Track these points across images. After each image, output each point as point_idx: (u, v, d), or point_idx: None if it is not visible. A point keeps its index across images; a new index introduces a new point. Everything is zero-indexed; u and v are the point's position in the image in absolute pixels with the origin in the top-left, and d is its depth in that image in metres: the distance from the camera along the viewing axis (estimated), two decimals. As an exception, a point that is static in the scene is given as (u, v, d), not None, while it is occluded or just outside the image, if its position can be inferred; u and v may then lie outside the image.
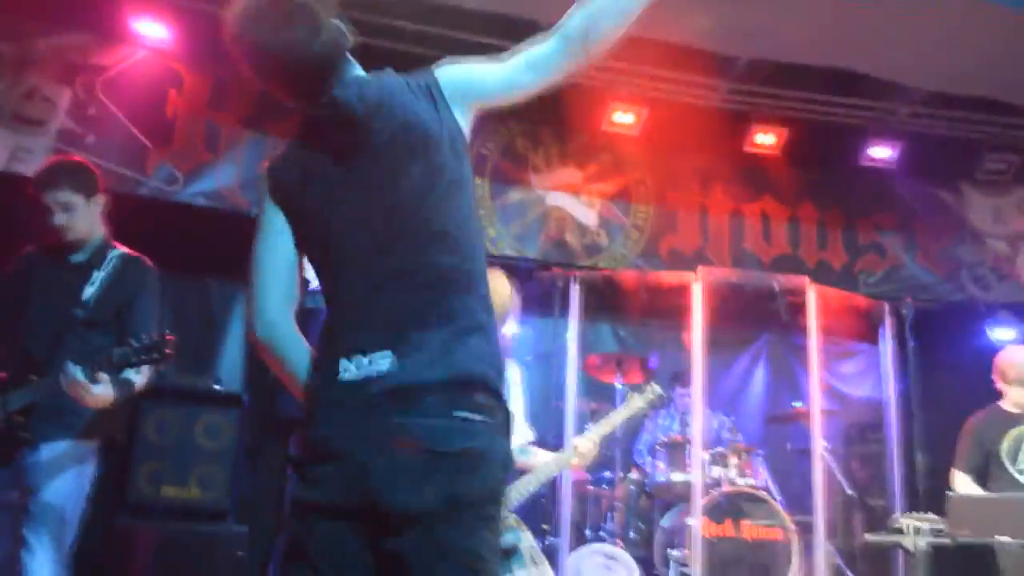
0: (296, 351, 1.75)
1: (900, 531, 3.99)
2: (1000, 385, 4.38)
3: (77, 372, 2.62)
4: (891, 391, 5.43)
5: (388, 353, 1.60)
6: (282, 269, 1.77)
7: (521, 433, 3.28)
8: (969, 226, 6.39)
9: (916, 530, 3.92)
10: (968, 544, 3.72)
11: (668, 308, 5.51)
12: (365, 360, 1.61)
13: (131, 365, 2.69)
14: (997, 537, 3.61)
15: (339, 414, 1.61)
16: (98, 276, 2.98)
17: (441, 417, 1.56)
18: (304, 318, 1.82)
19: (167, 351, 2.65)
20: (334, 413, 1.62)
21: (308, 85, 1.72)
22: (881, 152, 6.09)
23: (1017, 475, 4.15)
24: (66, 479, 2.82)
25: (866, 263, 6.19)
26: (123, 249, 3.11)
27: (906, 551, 3.96)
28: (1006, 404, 4.36)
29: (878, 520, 4.73)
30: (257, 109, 5.34)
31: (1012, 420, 4.26)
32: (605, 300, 5.92)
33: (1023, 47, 5.06)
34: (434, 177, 1.68)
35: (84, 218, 3.00)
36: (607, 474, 5.24)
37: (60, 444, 2.84)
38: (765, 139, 5.94)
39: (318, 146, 1.75)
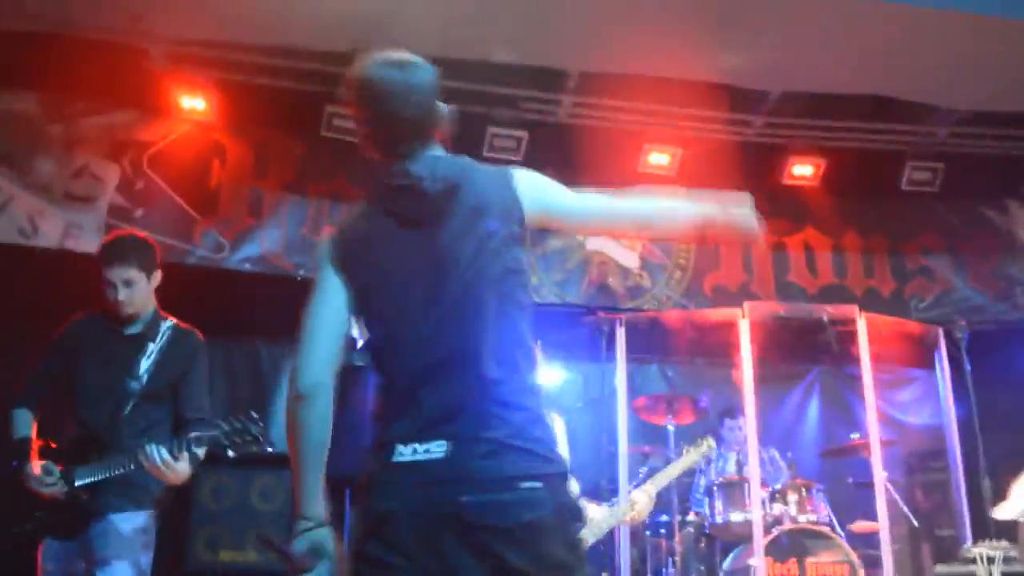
0: (321, 424, 1.79)
1: (972, 560, 3.88)
2: None
3: (162, 452, 2.70)
4: (951, 416, 5.29)
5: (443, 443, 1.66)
6: (332, 328, 1.82)
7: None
8: (1018, 243, 6.28)
9: (989, 559, 3.80)
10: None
11: (715, 345, 5.47)
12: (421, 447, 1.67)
13: (225, 447, 2.75)
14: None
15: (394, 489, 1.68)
16: (153, 348, 3.04)
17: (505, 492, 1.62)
18: (348, 376, 1.85)
19: (260, 435, 2.71)
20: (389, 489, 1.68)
21: (403, 133, 1.84)
22: (922, 175, 6.03)
23: None
24: (134, 549, 2.86)
25: (916, 288, 6.10)
26: (174, 320, 3.18)
27: (980, 582, 3.84)
28: None
29: (947, 551, 4.59)
30: (299, 174, 5.48)
31: None
32: (651, 341, 5.90)
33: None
34: (492, 260, 1.77)
35: (143, 293, 3.07)
36: (664, 518, 5.16)
37: (127, 515, 2.88)
38: (803, 170, 5.93)
39: (386, 213, 1.84)
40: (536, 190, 1.86)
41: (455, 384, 1.69)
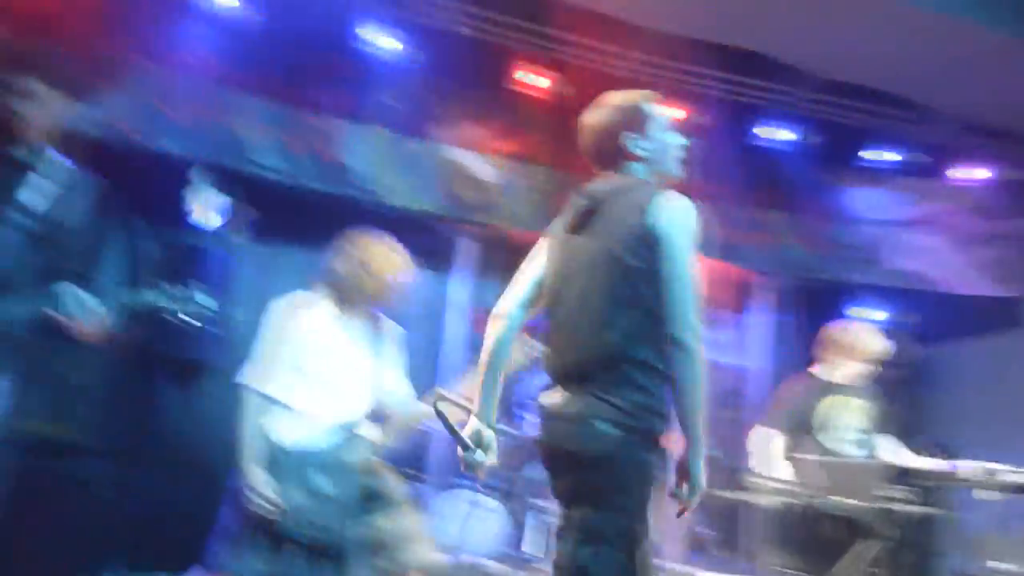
0: (501, 341, 2.53)
1: (751, 489, 4.30)
2: (828, 355, 4.52)
3: None
4: (756, 360, 5.74)
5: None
6: (527, 282, 2.54)
7: (400, 387, 3.40)
8: (848, 211, 6.74)
9: (765, 489, 4.23)
10: (814, 503, 4.02)
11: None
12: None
13: None
14: (840, 498, 3.92)
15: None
16: None
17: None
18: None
19: None
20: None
21: (591, 161, 2.48)
22: (774, 133, 6.35)
23: (829, 441, 4.31)
24: None
25: (748, 238, 6.44)
26: None
27: (756, 508, 4.28)
28: (824, 373, 4.50)
29: (734, 480, 5.03)
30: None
31: (830, 389, 4.41)
32: (499, 258, 6.04)
33: (918, 43, 5.36)
34: (617, 269, 2.23)
35: None
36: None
37: None
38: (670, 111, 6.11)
39: (569, 215, 2.44)
40: (661, 232, 2.22)
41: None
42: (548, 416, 2.31)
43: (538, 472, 5.19)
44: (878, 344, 4.44)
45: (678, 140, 2.49)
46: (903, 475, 4.31)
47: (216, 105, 5.15)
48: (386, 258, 3.25)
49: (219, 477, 3.18)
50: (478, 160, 5.91)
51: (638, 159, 2.41)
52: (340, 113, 5.53)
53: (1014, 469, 4.04)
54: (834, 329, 4.59)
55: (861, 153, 6.64)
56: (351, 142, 5.56)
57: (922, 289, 6.73)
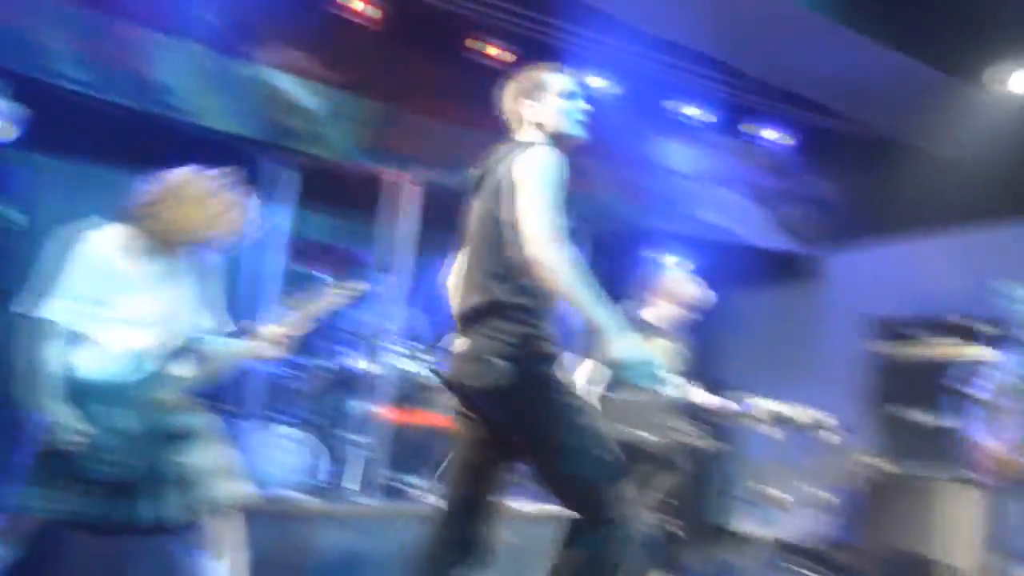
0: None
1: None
2: (648, 297, 4.70)
3: None
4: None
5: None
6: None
7: (213, 321, 3.26)
8: (660, 163, 7.04)
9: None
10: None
11: (384, 204, 5.62)
12: None
13: None
14: (632, 431, 4.17)
15: None
16: None
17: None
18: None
19: None
20: None
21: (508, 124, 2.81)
22: (595, 81, 6.51)
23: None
24: None
25: (574, 187, 6.61)
26: None
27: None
28: (647, 315, 4.67)
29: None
30: None
31: (647, 329, 4.55)
32: (321, 189, 5.91)
33: (728, 5, 5.60)
34: (494, 225, 2.52)
35: None
36: (300, 360, 5.33)
37: None
38: (502, 55, 6.12)
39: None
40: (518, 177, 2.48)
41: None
42: (454, 359, 2.56)
43: (357, 406, 5.22)
44: (694, 290, 4.70)
45: (577, 106, 2.73)
46: (696, 412, 4.64)
47: (8, 5, 4.67)
48: (202, 190, 3.07)
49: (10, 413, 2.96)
50: (303, 87, 5.71)
51: (536, 124, 2.70)
52: (152, 24, 5.15)
53: (797, 407, 4.45)
54: (655, 273, 4.82)
55: (670, 107, 6.92)
56: (164, 56, 5.20)
57: (721, 240, 7.16)
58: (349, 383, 5.43)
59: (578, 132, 2.74)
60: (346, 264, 5.72)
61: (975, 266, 6.13)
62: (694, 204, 7.18)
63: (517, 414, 2.45)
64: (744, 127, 7.18)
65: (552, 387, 2.47)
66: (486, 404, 2.52)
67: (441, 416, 5.07)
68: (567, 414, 2.45)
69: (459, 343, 2.56)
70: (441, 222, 6.21)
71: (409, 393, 5.04)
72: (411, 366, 5.35)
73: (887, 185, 7.00)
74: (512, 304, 2.47)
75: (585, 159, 6.57)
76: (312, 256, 5.62)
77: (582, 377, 4.47)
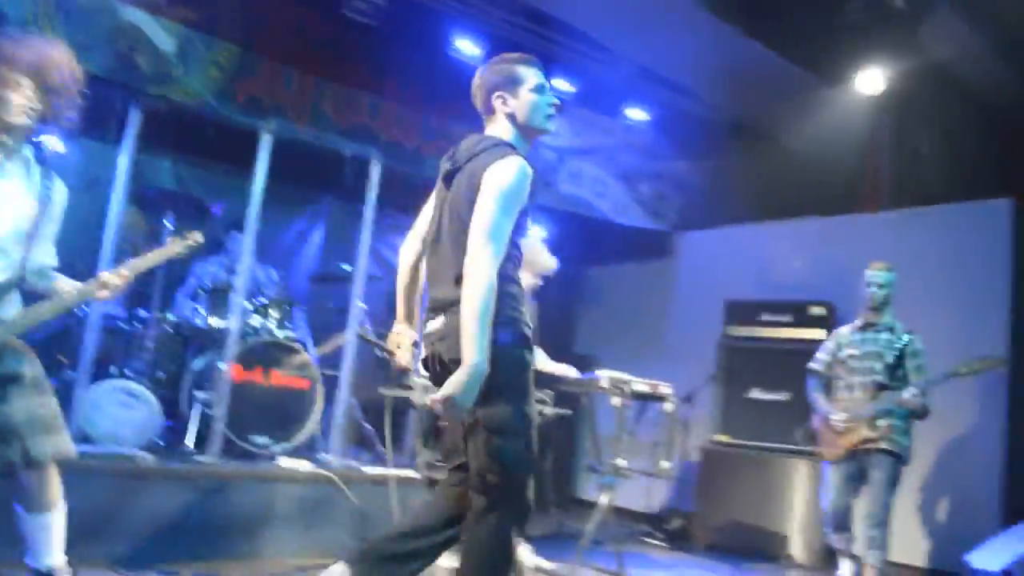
0: (411, 267, 3.06)
1: (410, 388, 4.46)
2: None
3: None
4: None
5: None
6: (426, 217, 2.99)
7: (50, 261, 3.02)
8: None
9: (424, 388, 4.40)
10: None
11: (236, 155, 5.39)
12: None
13: None
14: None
15: None
16: None
17: None
18: None
19: None
20: None
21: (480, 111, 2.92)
22: (467, 47, 6.44)
23: None
24: None
25: (435, 148, 6.54)
26: None
27: (412, 405, 4.45)
28: None
29: (400, 379, 5.18)
30: None
31: None
32: (169, 134, 5.63)
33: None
34: (461, 226, 2.66)
35: None
36: (143, 312, 5.08)
37: None
38: (361, 5, 5.93)
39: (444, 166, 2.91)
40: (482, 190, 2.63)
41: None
42: (428, 338, 2.75)
43: (200, 362, 5.01)
44: (549, 260, 4.76)
45: (547, 100, 2.85)
46: (547, 380, 4.71)
47: None
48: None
49: None
50: (155, 24, 5.37)
51: (507, 116, 2.81)
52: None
53: (642, 380, 4.58)
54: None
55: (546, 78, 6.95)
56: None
57: (579, 213, 7.27)
58: (193, 338, 5.22)
59: (547, 126, 2.89)
60: (195, 215, 5.47)
61: (817, 252, 6.48)
62: (561, 177, 7.24)
63: (485, 386, 2.51)
64: (612, 105, 7.29)
65: (520, 367, 2.65)
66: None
67: (287, 375, 4.94)
68: (522, 398, 2.64)
69: (432, 323, 2.73)
70: (295, 176, 6.07)
71: (255, 351, 4.87)
72: (258, 322, 5.18)
73: (742, 171, 7.28)
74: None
75: (448, 123, 6.57)
76: (157, 204, 5.34)
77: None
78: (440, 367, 2.69)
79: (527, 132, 2.85)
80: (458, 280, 2.58)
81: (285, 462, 4.65)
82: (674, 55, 6.71)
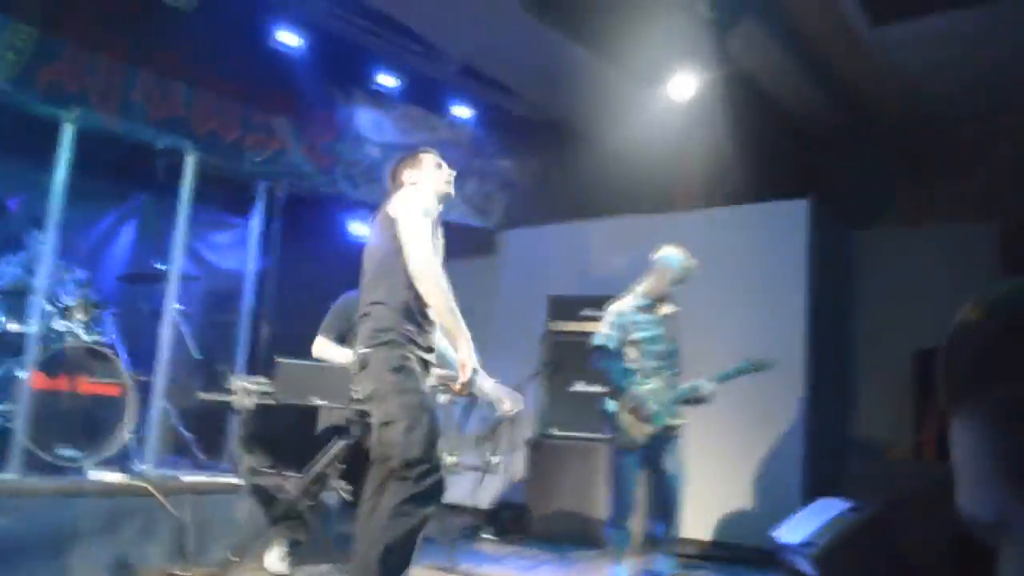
0: None
1: (231, 391, 4.30)
2: None
3: None
4: (252, 265, 5.73)
5: None
6: None
7: None
8: (352, 128, 6.97)
9: (246, 391, 4.26)
10: (290, 404, 4.15)
11: (35, 146, 4.99)
12: None
13: None
14: (312, 398, 4.11)
15: None
16: None
17: None
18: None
19: None
20: None
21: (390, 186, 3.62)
22: (289, 38, 6.27)
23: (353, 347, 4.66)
24: None
25: (255, 141, 6.33)
26: None
27: (233, 409, 4.30)
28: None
29: (219, 383, 4.99)
30: None
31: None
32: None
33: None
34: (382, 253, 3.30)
35: None
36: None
37: None
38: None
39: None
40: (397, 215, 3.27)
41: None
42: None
43: (3, 372, 4.61)
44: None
45: (445, 173, 3.51)
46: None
47: None
48: None
49: None
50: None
51: (413, 184, 3.42)
52: None
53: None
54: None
55: (367, 74, 6.89)
56: None
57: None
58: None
59: (448, 189, 3.50)
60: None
61: (636, 249, 6.75)
62: (381, 172, 7.18)
63: (371, 389, 3.19)
64: (438, 102, 7.31)
65: (399, 372, 3.14)
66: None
67: (95, 382, 4.64)
68: (409, 400, 3.14)
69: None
70: (103, 170, 5.70)
71: (59, 357, 4.54)
72: (62, 326, 4.83)
73: (563, 170, 7.49)
74: (378, 310, 3.23)
75: (275, 117, 6.38)
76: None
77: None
78: (361, 371, 3.20)
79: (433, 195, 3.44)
80: (365, 296, 3.30)
81: (95, 475, 4.37)
82: (496, 54, 6.83)
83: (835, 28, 6.18)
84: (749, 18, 6.11)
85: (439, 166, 3.53)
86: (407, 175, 3.49)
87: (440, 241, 3.42)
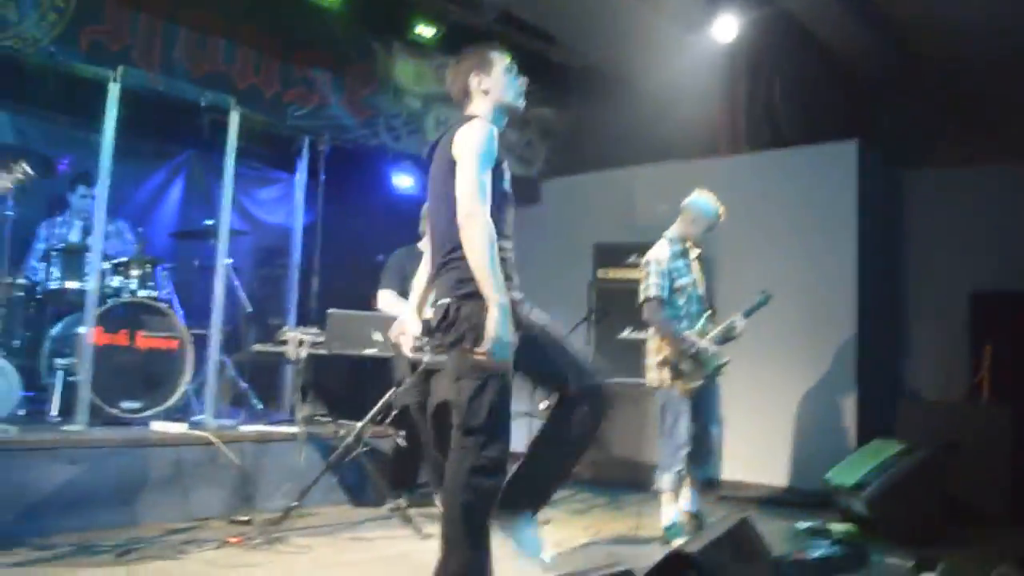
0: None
1: (284, 343, 4.39)
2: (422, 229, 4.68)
3: None
4: (299, 219, 5.78)
5: None
6: None
7: None
8: (392, 80, 6.93)
9: (299, 342, 4.34)
10: (341, 354, 4.24)
11: (82, 106, 5.06)
12: None
13: None
14: (365, 349, 4.19)
15: None
16: None
17: None
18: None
19: None
20: None
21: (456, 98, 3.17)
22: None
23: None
24: None
25: (295, 96, 6.32)
26: None
27: (287, 360, 4.39)
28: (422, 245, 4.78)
29: (272, 335, 5.08)
30: None
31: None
32: (7, 85, 5.22)
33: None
34: (444, 191, 2.92)
35: None
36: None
37: None
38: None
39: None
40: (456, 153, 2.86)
41: None
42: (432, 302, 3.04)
43: (60, 328, 4.74)
44: None
45: (517, 79, 3.11)
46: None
47: None
48: None
49: None
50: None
51: (484, 93, 3.05)
52: None
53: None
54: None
55: (406, 25, 6.80)
56: None
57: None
58: (48, 302, 4.93)
59: (518, 102, 3.12)
60: (39, 170, 5.11)
61: (680, 195, 6.68)
62: (422, 123, 7.16)
63: (453, 339, 2.87)
64: (470, 49, 7.22)
65: (480, 325, 2.82)
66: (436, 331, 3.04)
67: (153, 337, 4.75)
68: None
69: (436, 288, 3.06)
70: (149, 128, 5.76)
71: (117, 312, 4.64)
72: (118, 283, 4.93)
73: (604, 117, 7.40)
74: (460, 256, 2.85)
75: (308, 69, 6.37)
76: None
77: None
78: (442, 322, 2.90)
79: (503, 109, 3.09)
80: (445, 244, 2.88)
81: (158, 426, 4.49)
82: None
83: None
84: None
85: (509, 71, 3.12)
86: (474, 81, 3.06)
87: (508, 174, 3.04)
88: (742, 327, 4.56)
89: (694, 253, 4.68)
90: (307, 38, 6.38)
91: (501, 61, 3.10)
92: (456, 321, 2.81)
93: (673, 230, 4.69)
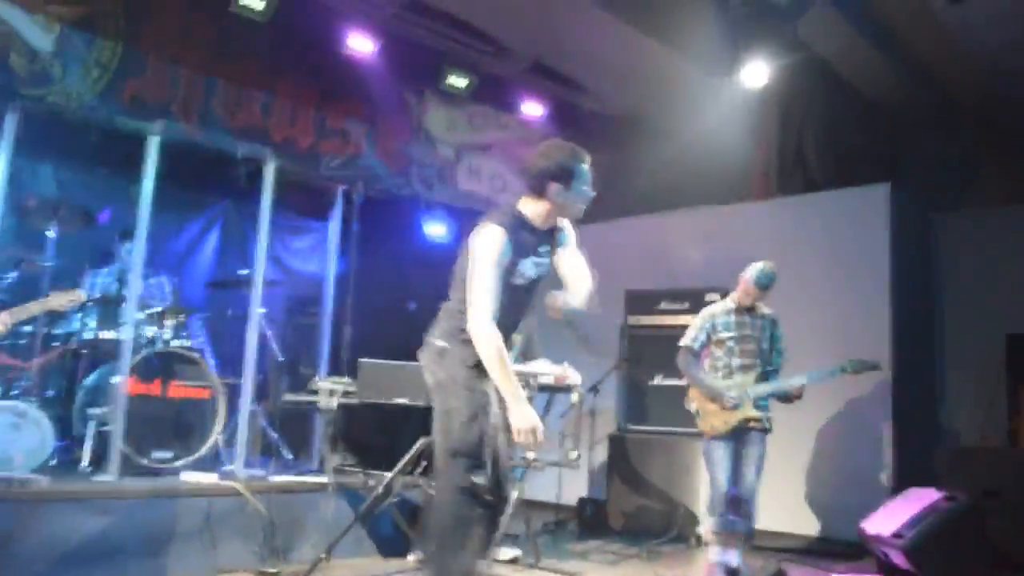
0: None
1: (315, 392, 4.40)
2: None
3: None
4: (332, 268, 5.82)
5: None
6: None
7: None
8: (424, 129, 7.03)
9: (329, 392, 4.35)
10: (372, 403, 4.23)
11: (121, 158, 5.17)
12: None
13: None
14: (396, 399, 4.18)
15: None
16: None
17: None
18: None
19: None
20: None
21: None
22: (360, 44, 6.34)
23: None
24: None
25: (330, 146, 6.44)
26: None
27: (318, 409, 4.39)
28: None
29: (303, 384, 5.10)
30: None
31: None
32: (49, 139, 5.36)
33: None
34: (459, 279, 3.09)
35: None
36: (27, 327, 4.83)
37: None
38: (251, 3, 5.74)
39: None
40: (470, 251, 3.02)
41: None
42: None
43: (94, 378, 4.80)
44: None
45: (589, 194, 3.09)
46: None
47: None
48: None
49: None
50: (29, 20, 5.10)
51: (554, 203, 3.05)
52: None
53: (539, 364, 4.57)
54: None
55: (438, 75, 6.91)
56: None
57: (483, 210, 7.27)
58: (83, 352, 4.99)
59: (580, 215, 3.18)
60: (79, 223, 5.24)
61: (712, 240, 6.66)
62: (454, 172, 7.24)
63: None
64: (507, 100, 7.32)
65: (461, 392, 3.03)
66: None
67: (186, 386, 4.79)
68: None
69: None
70: (186, 180, 5.87)
71: (151, 362, 4.70)
72: (152, 332, 5.00)
73: (636, 163, 7.41)
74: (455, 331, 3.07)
75: (349, 122, 6.48)
76: (38, 212, 5.08)
77: None
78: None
79: (559, 215, 3.15)
80: (442, 325, 3.08)
81: (188, 476, 4.51)
82: (565, 49, 6.80)
83: (910, 7, 5.97)
84: (820, 2, 5.95)
85: (587, 182, 3.09)
86: (553, 188, 3.03)
87: (528, 270, 3.12)
88: (797, 385, 4.54)
89: (764, 311, 4.77)
90: (341, 89, 6.50)
91: (584, 175, 3.07)
92: (446, 360, 3.03)
93: (734, 292, 4.84)
